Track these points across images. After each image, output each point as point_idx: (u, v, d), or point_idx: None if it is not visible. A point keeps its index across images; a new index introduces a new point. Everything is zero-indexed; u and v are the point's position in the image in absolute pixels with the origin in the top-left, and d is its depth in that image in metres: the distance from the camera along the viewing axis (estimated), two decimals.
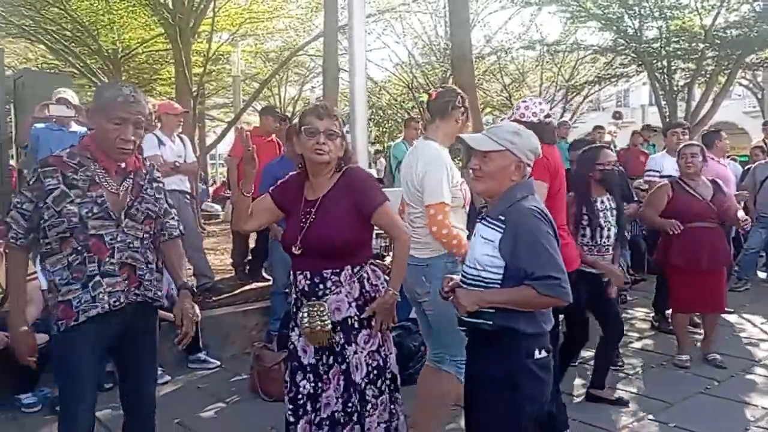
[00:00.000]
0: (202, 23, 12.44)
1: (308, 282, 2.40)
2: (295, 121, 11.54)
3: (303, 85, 22.88)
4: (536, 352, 2.07)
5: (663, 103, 14.24)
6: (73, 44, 13.02)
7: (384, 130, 19.98)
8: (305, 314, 2.33)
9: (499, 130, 2.17)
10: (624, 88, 22.72)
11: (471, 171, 2.20)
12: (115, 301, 2.25)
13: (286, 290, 4.92)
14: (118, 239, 2.24)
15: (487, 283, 2.09)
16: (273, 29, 16.87)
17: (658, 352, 4.81)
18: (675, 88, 14.38)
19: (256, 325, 5.06)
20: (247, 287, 5.73)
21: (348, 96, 5.44)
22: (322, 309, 2.33)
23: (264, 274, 5.97)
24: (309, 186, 2.48)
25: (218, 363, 4.61)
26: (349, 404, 2.38)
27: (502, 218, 2.08)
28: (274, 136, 6.34)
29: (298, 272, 2.43)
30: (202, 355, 4.59)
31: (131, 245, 2.28)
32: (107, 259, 2.23)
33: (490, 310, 2.04)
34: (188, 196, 5.44)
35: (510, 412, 2.05)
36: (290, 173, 2.55)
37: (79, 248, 2.19)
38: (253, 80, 19.73)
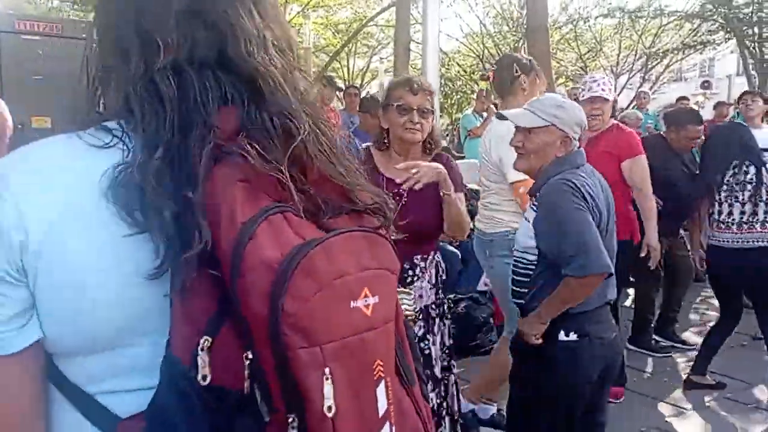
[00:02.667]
0: None
1: None
2: (373, 92, 11.50)
3: (371, 57, 22.89)
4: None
5: (752, 73, 13.43)
6: None
7: (452, 101, 19.78)
8: None
9: (542, 103, 2.06)
10: (709, 57, 21.49)
11: (514, 148, 2.12)
12: None
13: None
14: None
15: (529, 265, 2.03)
16: (343, 1, 16.89)
17: (740, 332, 4.61)
18: (766, 57, 13.52)
19: None
20: None
21: (418, 67, 5.41)
22: (409, 296, 2.19)
23: None
24: (385, 160, 2.32)
25: None
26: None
27: (537, 196, 2.01)
28: (332, 105, 6.45)
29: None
30: None
31: None
32: None
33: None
34: None
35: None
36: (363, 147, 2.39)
37: None
38: (323, 52, 19.89)
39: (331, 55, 17.52)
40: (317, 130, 0.72)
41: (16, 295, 0.65)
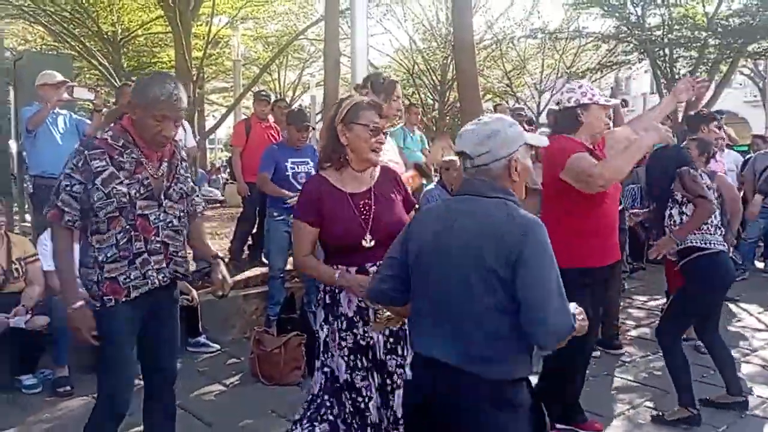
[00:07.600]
0: (202, 5, 12.36)
1: None
2: (295, 106, 11.24)
3: (302, 70, 22.77)
4: None
5: (664, 91, 14.23)
6: (72, 26, 12.93)
7: None
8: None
9: None
10: (625, 76, 22.64)
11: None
12: (163, 278, 2.40)
13: (282, 275, 4.93)
14: (161, 218, 2.37)
15: None
16: (273, 13, 16.76)
17: (655, 340, 4.81)
18: (677, 77, 14.36)
19: (255, 310, 5.07)
20: (245, 272, 5.73)
21: (348, 81, 5.41)
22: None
23: (263, 260, 5.96)
24: (342, 179, 2.40)
25: (218, 347, 4.62)
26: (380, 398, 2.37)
27: None
28: (271, 120, 6.25)
29: (369, 264, 2.34)
30: (201, 339, 4.60)
31: (170, 224, 2.41)
32: (153, 238, 2.36)
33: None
34: None
35: None
36: (307, 179, 2.48)
37: (127, 227, 2.30)
38: (253, 65, 19.62)
39: (260, 67, 17.29)
40: None
41: None
